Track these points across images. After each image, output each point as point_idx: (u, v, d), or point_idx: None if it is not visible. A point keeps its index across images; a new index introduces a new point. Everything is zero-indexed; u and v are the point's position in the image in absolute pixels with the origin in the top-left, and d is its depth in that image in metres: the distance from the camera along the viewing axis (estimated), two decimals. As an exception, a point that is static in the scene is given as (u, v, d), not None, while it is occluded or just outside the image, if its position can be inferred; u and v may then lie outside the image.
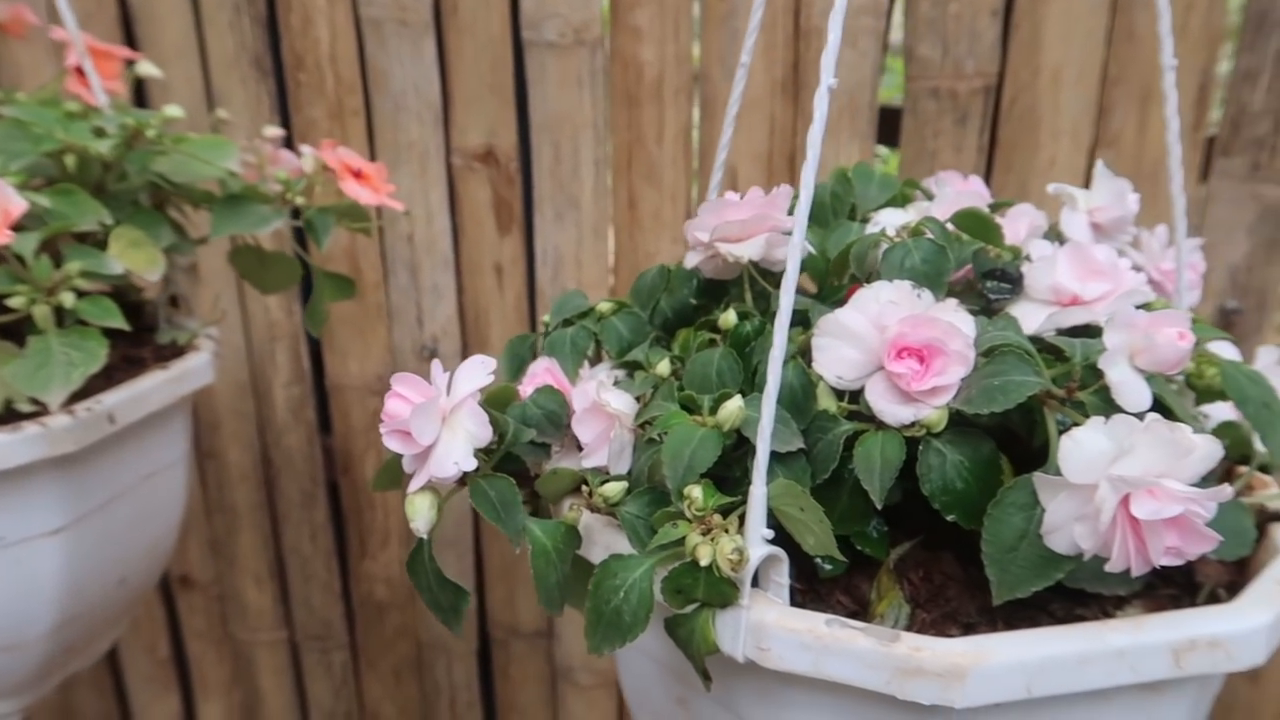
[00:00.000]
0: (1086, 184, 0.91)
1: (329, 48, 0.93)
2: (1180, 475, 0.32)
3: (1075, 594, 0.38)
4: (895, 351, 0.38)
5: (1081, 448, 0.33)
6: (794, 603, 0.37)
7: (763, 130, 0.90)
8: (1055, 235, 0.52)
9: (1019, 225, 0.47)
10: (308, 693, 1.25)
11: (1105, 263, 0.40)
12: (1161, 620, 0.34)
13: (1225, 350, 0.43)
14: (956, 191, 0.48)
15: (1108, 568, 0.33)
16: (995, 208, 0.51)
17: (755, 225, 0.45)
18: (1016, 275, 0.42)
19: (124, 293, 0.64)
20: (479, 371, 0.38)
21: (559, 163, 0.94)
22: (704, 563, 0.34)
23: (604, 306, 0.50)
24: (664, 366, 0.44)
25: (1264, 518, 0.44)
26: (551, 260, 0.97)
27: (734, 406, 0.38)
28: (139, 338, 0.62)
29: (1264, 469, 0.45)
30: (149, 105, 0.96)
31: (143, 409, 0.55)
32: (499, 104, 0.94)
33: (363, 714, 1.24)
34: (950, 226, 0.47)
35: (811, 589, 0.40)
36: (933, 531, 0.40)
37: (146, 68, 0.68)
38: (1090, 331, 0.40)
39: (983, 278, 0.44)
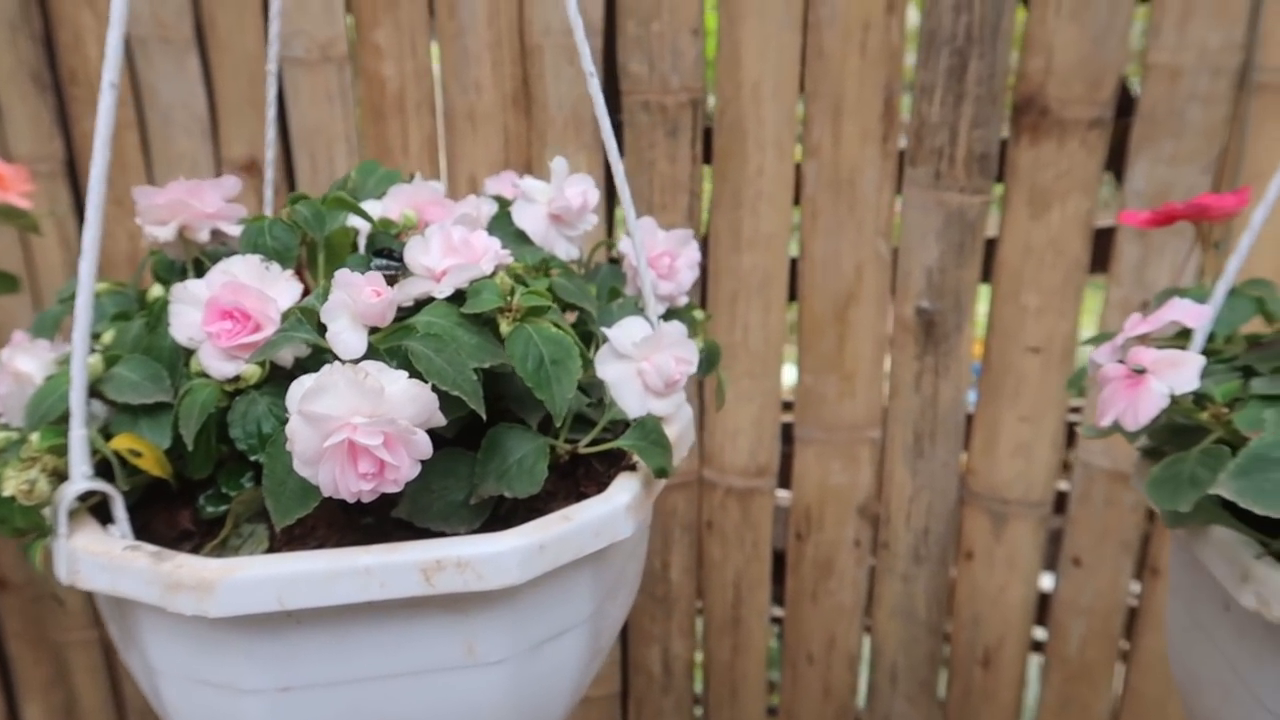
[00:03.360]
0: (796, 192, 0.97)
1: (98, 64, 0.99)
2: (389, 414, 0.37)
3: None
4: (213, 314, 0.43)
5: (302, 388, 0.38)
6: (186, 544, 0.42)
7: (498, 141, 0.96)
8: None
9: (454, 212, 0.53)
10: (122, 691, 1.28)
11: (459, 242, 0.45)
12: (416, 544, 0.39)
13: (631, 326, 0.47)
14: (420, 188, 0.53)
15: (325, 492, 0.38)
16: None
17: (173, 211, 0.50)
18: (400, 254, 0.47)
19: None
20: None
21: (316, 174, 1.00)
22: (7, 494, 0.39)
23: (100, 287, 0.55)
24: (108, 336, 0.50)
25: (626, 465, 0.47)
26: (316, 265, 1.02)
27: (92, 360, 0.44)
28: None
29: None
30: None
31: None
32: (260, 118, 0.99)
33: (173, 713, 1.27)
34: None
35: (212, 531, 0.44)
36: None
37: None
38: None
39: (375, 255, 0.49)
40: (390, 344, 0.40)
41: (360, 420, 0.36)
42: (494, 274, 0.44)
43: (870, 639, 1.08)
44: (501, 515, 0.43)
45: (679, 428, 0.48)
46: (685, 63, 0.91)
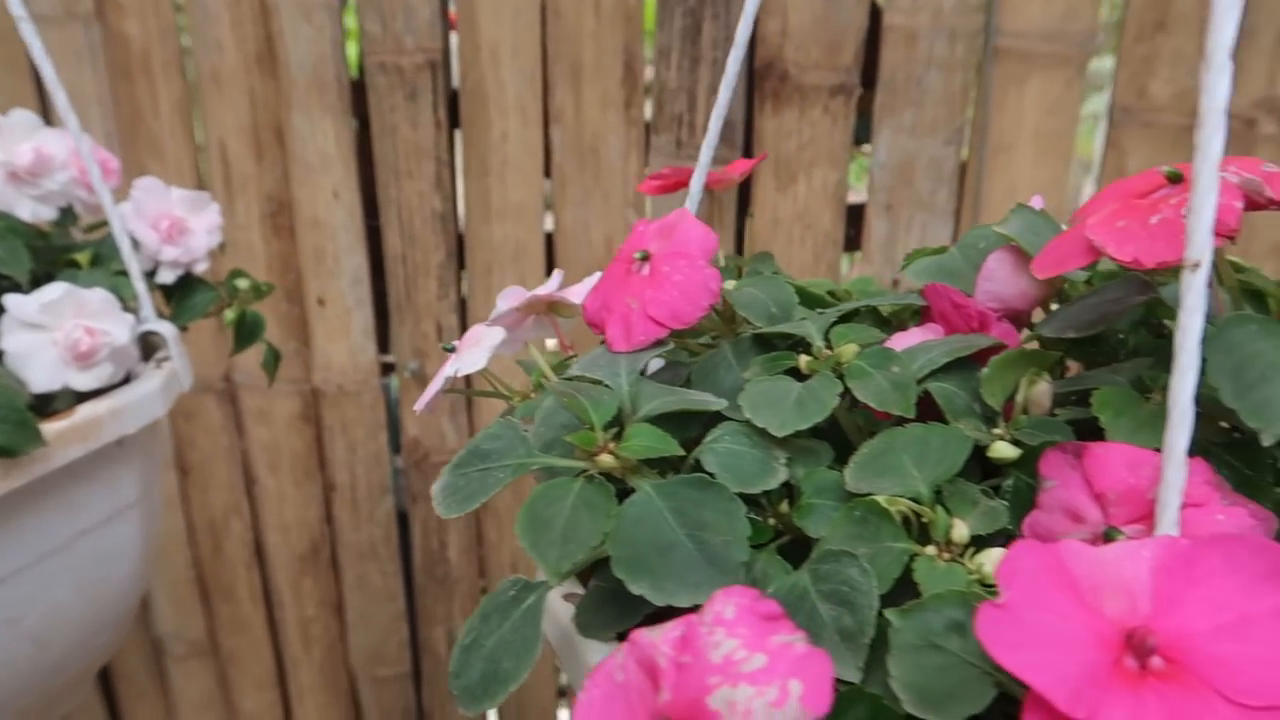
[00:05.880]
0: (546, 160, 0.93)
1: None
2: None
3: None
4: None
5: None
6: None
7: (244, 104, 0.92)
8: None
9: None
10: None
11: None
12: None
13: (46, 292, 0.43)
14: None
15: None
16: None
17: None
18: None
19: None
20: None
21: (72, 134, 0.97)
22: None
23: None
24: None
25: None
26: (81, 230, 1.00)
27: None
28: None
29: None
30: None
31: None
32: (15, 78, 0.97)
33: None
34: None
35: None
36: None
37: None
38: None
39: None
40: None
41: None
42: None
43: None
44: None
45: (118, 403, 0.45)
46: (419, 22, 0.87)
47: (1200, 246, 0.18)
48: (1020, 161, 0.80)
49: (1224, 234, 0.22)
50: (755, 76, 0.83)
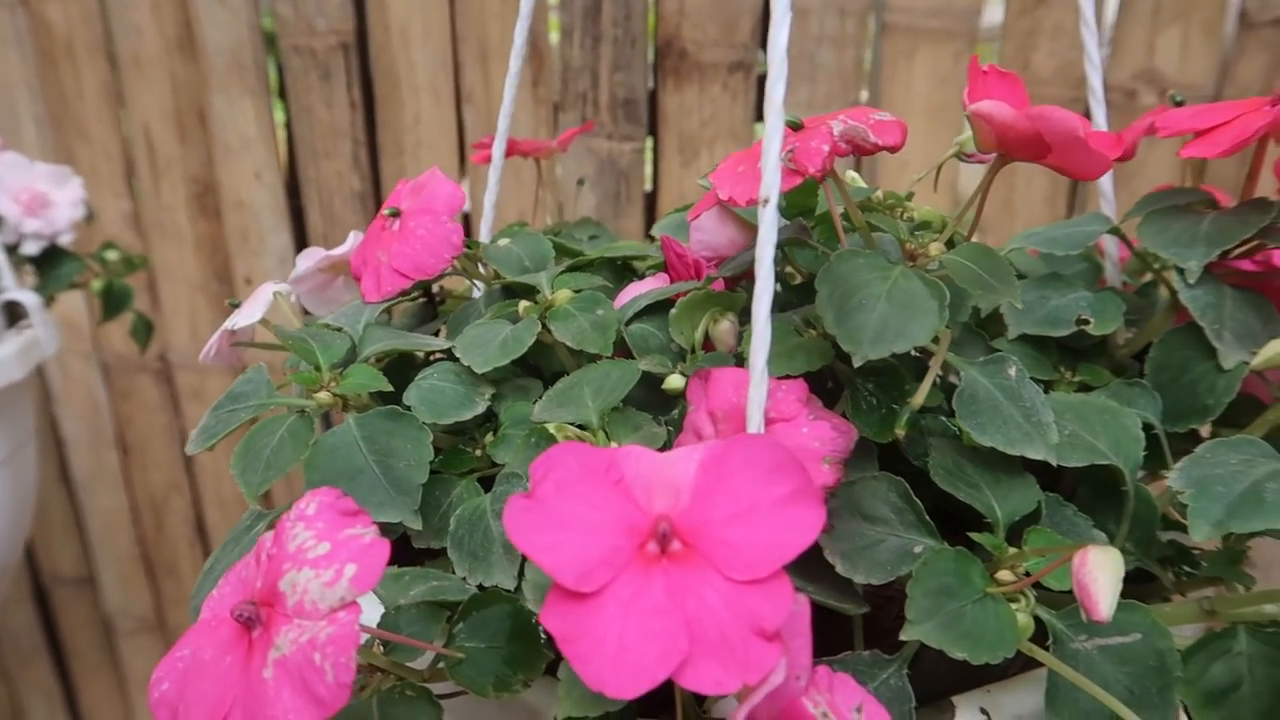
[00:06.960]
0: (460, 141, 0.95)
1: None
2: None
3: None
4: None
5: None
6: None
7: (166, 87, 0.94)
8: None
9: None
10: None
11: None
12: None
13: None
14: None
15: None
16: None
17: None
18: None
19: None
20: None
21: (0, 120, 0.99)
22: None
23: None
24: None
25: None
26: (14, 214, 1.02)
27: None
28: None
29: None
30: None
31: None
32: (-54, 64, 0.99)
33: (-54, 657, 1.29)
34: None
35: None
36: None
37: None
38: None
39: None
40: None
41: None
42: None
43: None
44: None
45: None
46: (329, 4, 0.88)
47: (769, 184, 0.20)
48: (912, 134, 0.81)
49: (805, 174, 0.24)
50: (657, 54, 0.85)
